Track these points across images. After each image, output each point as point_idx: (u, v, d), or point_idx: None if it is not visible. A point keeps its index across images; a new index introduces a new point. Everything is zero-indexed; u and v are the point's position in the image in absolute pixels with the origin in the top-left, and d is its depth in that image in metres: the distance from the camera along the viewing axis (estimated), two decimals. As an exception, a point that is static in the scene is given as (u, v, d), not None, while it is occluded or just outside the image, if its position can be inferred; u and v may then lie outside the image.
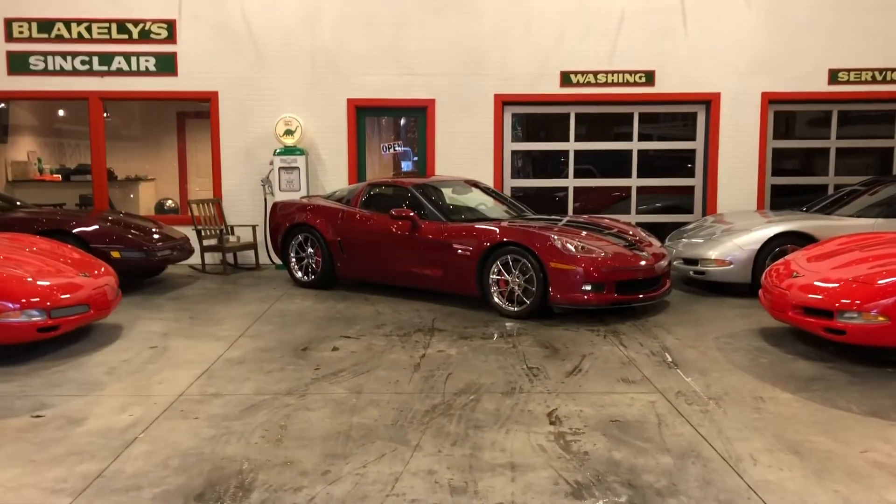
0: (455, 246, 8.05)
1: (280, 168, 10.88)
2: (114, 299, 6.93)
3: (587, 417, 4.82)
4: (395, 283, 8.82)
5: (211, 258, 11.13)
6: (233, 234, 11.06)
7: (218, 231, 10.64)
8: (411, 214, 8.37)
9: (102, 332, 7.13)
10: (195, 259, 10.75)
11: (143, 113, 14.90)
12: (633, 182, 11.59)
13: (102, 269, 7.08)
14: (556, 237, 7.54)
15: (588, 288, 7.34)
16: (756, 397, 5.21)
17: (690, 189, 11.77)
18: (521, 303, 7.64)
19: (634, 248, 7.90)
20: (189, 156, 14.72)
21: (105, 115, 13.30)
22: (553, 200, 12.72)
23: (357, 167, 11.42)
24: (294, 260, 9.53)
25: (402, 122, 13.27)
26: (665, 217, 11.72)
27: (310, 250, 9.34)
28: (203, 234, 10.71)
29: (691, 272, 8.97)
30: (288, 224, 9.52)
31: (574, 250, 7.42)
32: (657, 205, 12.27)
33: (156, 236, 9.45)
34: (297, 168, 10.87)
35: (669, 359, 6.19)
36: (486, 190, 9.59)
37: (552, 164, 12.12)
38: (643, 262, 7.70)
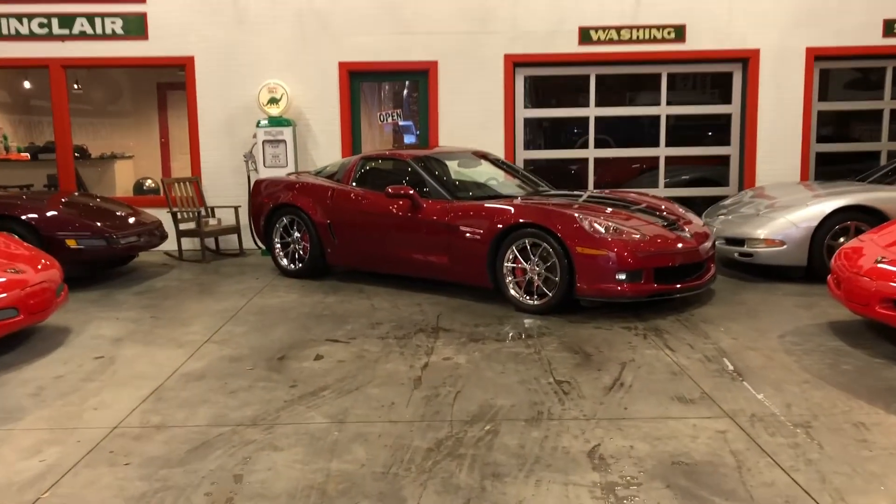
0: (462, 228, 6.84)
1: (264, 141, 9.67)
2: (55, 299, 5.76)
3: (641, 458, 3.64)
4: (393, 272, 7.64)
5: (191, 244, 9.95)
6: (213, 216, 9.89)
7: (195, 214, 9.44)
8: (411, 192, 7.15)
9: (44, 337, 5.98)
10: (171, 245, 9.58)
11: (120, 84, 13.68)
12: (661, 152, 10.34)
13: (44, 264, 5.91)
14: (582, 216, 6.33)
15: (622, 277, 6.13)
16: (856, 423, 4.02)
17: (725, 159, 10.53)
18: (542, 295, 6.44)
19: (674, 228, 6.68)
20: (172, 131, 13.53)
21: (76, 86, 12.13)
22: (568, 174, 11.52)
23: (352, 140, 10.19)
24: (279, 245, 8.34)
25: (406, 92, 12.06)
26: (695, 191, 10.48)
27: (296, 234, 8.15)
28: (179, 217, 9.52)
29: (736, 254, 7.75)
30: (271, 204, 8.32)
31: (604, 231, 6.20)
32: (685, 177, 11.04)
33: (121, 221, 8.27)
34: (283, 141, 9.66)
35: (730, 366, 5.00)
36: (496, 162, 8.35)
37: (568, 134, 10.88)
38: (686, 245, 6.48)
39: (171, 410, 4.39)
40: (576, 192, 7.97)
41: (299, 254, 8.17)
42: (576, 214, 6.36)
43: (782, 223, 7.50)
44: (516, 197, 7.31)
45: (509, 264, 6.58)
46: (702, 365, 5.04)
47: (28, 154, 12.15)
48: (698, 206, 10.33)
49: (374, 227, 7.53)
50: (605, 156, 10.57)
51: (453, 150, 8.37)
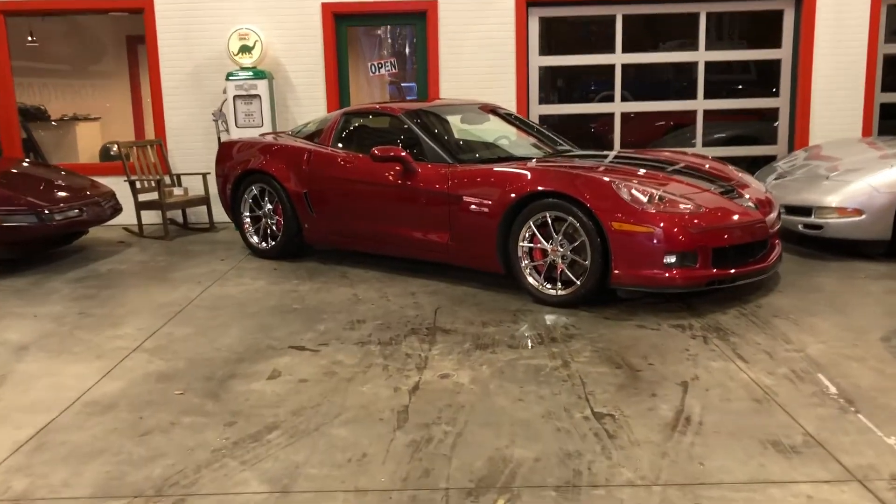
0: (467, 199, 5.46)
1: (235, 97, 8.25)
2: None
3: (745, 569, 2.29)
4: (383, 253, 6.27)
5: (157, 216, 8.59)
6: (179, 185, 8.51)
7: (155, 182, 8.07)
8: (402, 154, 5.75)
9: (-69, 344, 4.66)
10: (131, 219, 8.24)
11: (86, 38, 12.23)
12: (699, 105, 8.87)
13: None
14: (619, 182, 4.94)
15: (671, 260, 4.76)
16: None
17: (773, 112, 9.06)
18: (567, 283, 5.08)
19: (732, 195, 5.28)
20: (145, 89, 12.08)
21: (30, 38, 10.73)
22: (589, 132, 10.09)
23: (339, 95, 8.77)
24: (248, 220, 6.98)
25: (408, 50, 10.67)
26: (736, 150, 9.03)
27: (268, 206, 6.77)
28: (138, 186, 8.15)
29: (800, 226, 6.35)
30: (239, 171, 6.94)
31: (648, 201, 4.83)
32: (723, 135, 9.59)
33: (62, 194, 6.92)
34: (258, 96, 8.24)
35: (831, 388, 3.64)
36: (508, 118, 6.94)
37: (590, 86, 9.42)
38: (751, 217, 5.09)
39: (49, 468, 3.07)
40: (603, 153, 6.56)
41: (272, 230, 6.80)
42: (610, 180, 4.96)
43: (860, 188, 6.08)
44: (532, 159, 5.90)
45: (525, 244, 5.21)
46: (792, 386, 3.68)
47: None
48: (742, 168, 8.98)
49: (359, 197, 6.15)
50: (634, 110, 9.11)
51: (456, 104, 6.94)
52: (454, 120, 6.58)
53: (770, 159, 8.59)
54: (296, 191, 6.51)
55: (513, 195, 5.20)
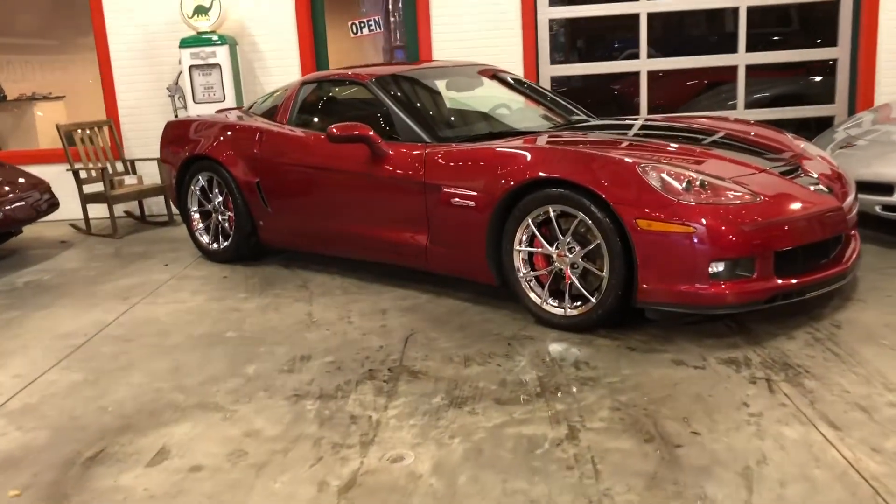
0: (447, 189, 4.20)
1: (192, 67, 7.03)
2: None
3: None
4: (351, 257, 5.03)
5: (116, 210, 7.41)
6: (133, 172, 7.33)
7: (99, 171, 6.89)
8: (366, 133, 4.49)
9: None
10: (74, 213, 7.10)
11: (45, 8, 11.03)
12: (741, 59, 7.46)
13: None
14: (646, 164, 3.65)
15: (720, 269, 3.48)
16: None
17: (829, 66, 7.64)
18: (579, 299, 3.82)
19: (795, 175, 3.97)
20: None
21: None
22: (611, 96, 8.74)
23: (315, 61, 7.50)
24: (196, 216, 5.77)
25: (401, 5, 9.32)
26: (783, 112, 7.64)
27: (218, 199, 5.56)
28: (83, 176, 6.98)
29: (878, 207, 5.03)
30: (184, 156, 5.73)
31: (684, 189, 3.53)
32: (768, 94, 8.20)
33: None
34: (217, 66, 7.01)
35: (979, 482, 2.36)
36: (511, 83, 5.62)
37: (611, 41, 8.06)
38: (825, 206, 3.78)
39: None
40: (627, 121, 5.25)
41: (223, 227, 5.59)
42: (635, 161, 3.68)
43: (958, 158, 4.72)
44: (537, 134, 4.61)
45: (524, 248, 3.95)
46: (915, 476, 2.41)
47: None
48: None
49: (319, 188, 4.93)
50: (662, 67, 7.73)
51: (446, 66, 5.64)
52: (440, 85, 5.29)
53: (826, 124, 7.21)
54: (246, 180, 5.29)
55: (507, 184, 3.94)
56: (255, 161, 5.24)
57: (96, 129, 7.25)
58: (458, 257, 4.30)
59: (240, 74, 7.24)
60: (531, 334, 3.87)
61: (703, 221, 3.45)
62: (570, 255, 3.80)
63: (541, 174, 3.81)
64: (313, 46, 7.46)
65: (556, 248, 3.85)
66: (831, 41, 7.48)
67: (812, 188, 3.86)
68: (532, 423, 2.94)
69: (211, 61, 6.99)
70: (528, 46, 7.32)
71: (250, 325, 4.25)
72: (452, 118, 5.03)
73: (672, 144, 4.25)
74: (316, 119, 5.26)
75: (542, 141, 4.31)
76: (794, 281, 3.64)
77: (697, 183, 3.61)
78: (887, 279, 4.37)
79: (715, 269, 3.49)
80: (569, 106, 5.46)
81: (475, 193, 4.08)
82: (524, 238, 3.96)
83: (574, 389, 3.20)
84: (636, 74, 7.54)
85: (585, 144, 4.18)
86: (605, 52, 8.97)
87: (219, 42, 6.99)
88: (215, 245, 5.66)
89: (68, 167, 6.96)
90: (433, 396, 3.22)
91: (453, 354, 3.66)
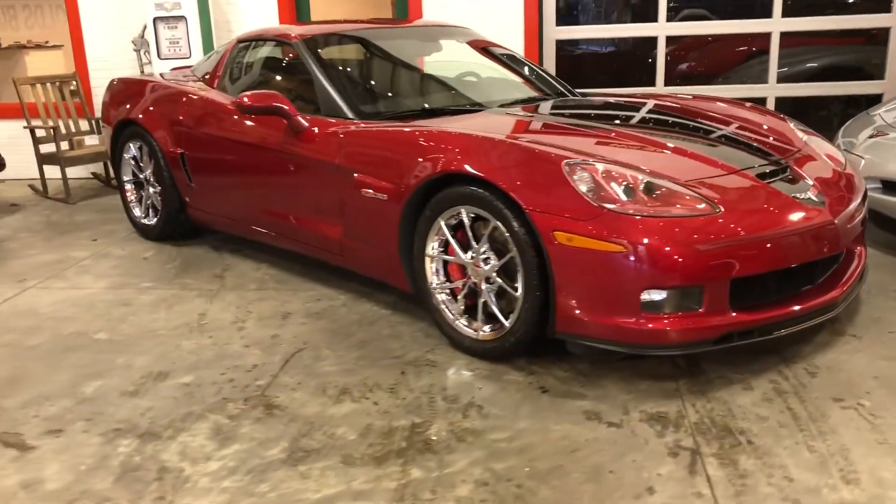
0: (360, 176, 3.53)
1: (156, 20, 6.43)
2: None
3: None
4: (277, 246, 4.39)
5: (76, 172, 6.95)
6: (99, 132, 6.81)
7: (52, 131, 6.37)
8: (282, 106, 3.82)
9: None
10: (28, 173, 6.66)
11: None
12: (775, 25, 6.50)
13: None
14: (575, 161, 2.90)
15: (655, 300, 2.73)
16: None
17: (879, 35, 6.62)
18: (494, 321, 3.11)
19: (781, 178, 3.17)
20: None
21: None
22: (625, 66, 7.84)
23: (296, 13, 6.81)
24: (129, 186, 5.20)
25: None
26: (825, 88, 6.67)
27: (148, 171, 4.97)
28: (41, 135, 6.49)
29: (907, 212, 4.17)
30: (116, 120, 5.15)
31: (622, 194, 2.78)
32: (808, 65, 7.21)
33: None
34: (183, 18, 6.39)
35: None
36: (485, 52, 4.82)
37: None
38: (807, 219, 2.97)
39: None
40: (625, 99, 4.42)
41: (154, 201, 5.01)
42: (559, 155, 2.94)
43: None
44: (481, 112, 3.87)
45: (438, 252, 3.26)
46: None
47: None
48: (832, 113, 6.68)
49: (239, 164, 4.30)
50: (683, 32, 6.82)
51: (406, 26, 4.89)
52: (394, 48, 4.56)
53: (875, 100, 6.26)
54: (171, 151, 4.70)
55: (419, 176, 3.23)
56: (180, 130, 4.63)
57: (58, 84, 6.72)
58: (371, 256, 3.64)
59: (211, 28, 6.61)
60: (437, 359, 3.20)
61: (636, 238, 2.70)
62: (485, 267, 3.09)
63: (452, 168, 3.09)
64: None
65: (471, 257, 3.14)
66: (885, 6, 6.44)
67: (798, 197, 3.06)
68: (370, 498, 2.28)
69: (176, 13, 6.38)
70: (531, 2, 6.48)
71: (129, 326, 3.68)
72: (386, 91, 4.30)
73: (631, 132, 3.47)
74: (246, 85, 4.59)
75: (474, 123, 3.57)
76: (757, 316, 2.87)
77: (641, 187, 2.85)
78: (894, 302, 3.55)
79: (649, 299, 2.75)
80: (548, 79, 4.68)
81: (386, 184, 3.40)
82: (439, 242, 3.26)
83: (446, 447, 2.53)
84: (653, 41, 6.64)
85: (520, 129, 3.44)
86: (628, 8, 8.01)
87: (184, -9, 6.35)
88: (146, 220, 5.10)
89: (25, 124, 6.46)
90: (274, 446, 2.59)
91: (332, 384, 3.02)
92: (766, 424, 2.61)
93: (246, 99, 3.87)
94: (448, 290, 3.29)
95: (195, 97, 4.60)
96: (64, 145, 6.55)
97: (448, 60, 4.61)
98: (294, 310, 3.81)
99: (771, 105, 6.58)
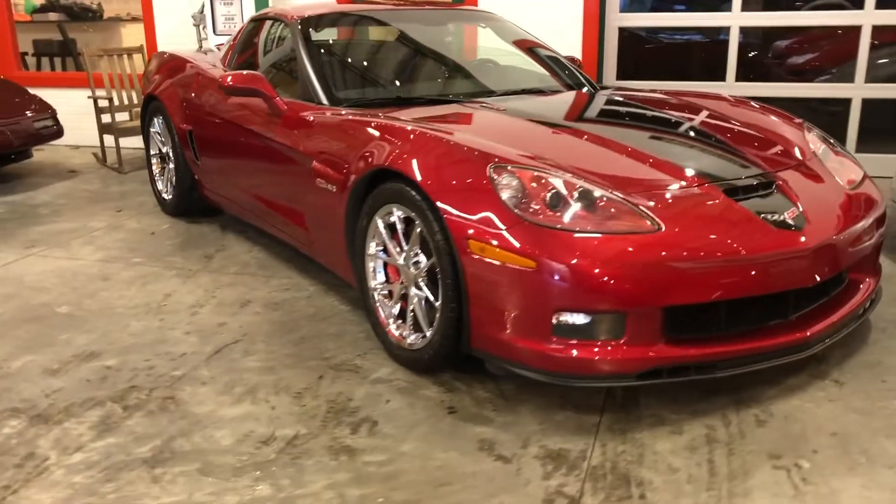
0: (317, 166, 3.39)
1: (213, -3, 6.48)
2: None
3: None
4: (265, 230, 4.30)
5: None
6: (159, 104, 6.94)
7: (108, 101, 6.56)
8: (262, 88, 3.74)
9: None
10: (89, 140, 6.91)
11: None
12: (866, 17, 5.83)
13: None
14: (502, 162, 2.64)
15: (569, 324, 2.43)
16: None
17: None
18: (420, 330, 2.90)
19: (759, 194, 2.78)
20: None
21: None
22: (700, 57, 7.26)
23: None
24: (155, 160, 5.27)
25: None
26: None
27: (167, 146, 5.02)
28: (102, 105, 6.71)
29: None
30: (146, 93, 5.23)
31: (551, 203, 2.51)
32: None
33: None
34: (238, -4, 6.41)
35: None
36: (505, 39, 4.54)
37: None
38: (772, 246, 2.59)
39: None
40: (633, 95, 4.06)
41: (171, 177, 5.06)
42: (484, 153, 2.70)
43: None
44: (457, 103, 3.63)
45: (379, 251, 3.07)
46: None
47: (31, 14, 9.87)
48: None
49: (233, 145, 4.24)
50: (759, 24, 6.25)
51: (425, 9, 4.67)
52: (396, 35, 4.37)
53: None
54: (182, 128, 4.71)
55: (355, 170, 3.05)
56: (190, 107, 4.62)
57: (125, 56, 6.90)
58: (326, 249, 3.51)
59: (268, 4, 6.60)
60: (363, 365, 3.02)
61: (547, 255, 2.42)
62: (413, 271, 2.88)
63: (382, 163, 2.89)
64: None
65: (401, 258, 2.94)
66: None
67: (768, 218, 2.66)
68: (200, 513, 2.15)
69: (231, -11, 6.40)
70: (591, -16, 6.10)
71: (95, 302, 3.70)
72: (367, 77, 4.10)
73: (604, 133, 3.14)
74: (248, 64, 4.52)
75: (430, 115, 3.34)
76: (695, 352, 2.53)
77: (576, 196, 2.55)
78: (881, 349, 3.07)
79: (562, 323, 2.47)
80: (567, 70, 4.34)
81: (336, 175, 3.24)
82: (378, 239, 3.07)
83: (313, 464, 2.36)
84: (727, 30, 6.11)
85: (470, 124, 3.18)
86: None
87: (240, -32, 6.37)
88: (165, 195, 5.16)
89: (90, 94, 6.69)
90: (146, 443, 2.50)
91: (243, 381, 2.91)
92: (673, 478, 2.28)
93: (229, 79, 3.78)
94: (386, 293, 3.09)
95: (204, 75, 4.58)
96: (124, 116, 6.74)
97: (451, 46, 4.37)
98: (257, 298, 3.71)
99: (857, 108, 5.92)
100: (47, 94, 6.73)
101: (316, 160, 3.38)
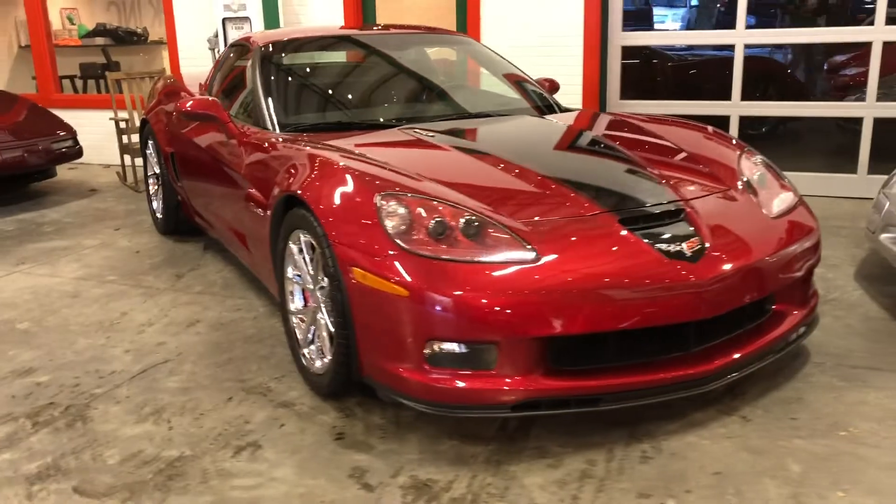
0: (251, 190, 3.48)
1: (225, 20, 6.69)
2: None
3: None
4: (230, 250, 4.40)
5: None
6: (177, 125, 7.19)
7: (125, 123, 6.83)
8: (215, 113, 3.85)
9: None
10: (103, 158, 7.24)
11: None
12: (878, 34, 5.60)
13: None
14: (391, 192, 2.67)
15: (442, 351, 2.43)
16: None
17: None
18: (324, 356, 2.93)
19: (663, 223, 2.72)
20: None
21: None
22: (709, 78, 7.09)
23: (362, 14, 6.83)
24: (152, 180, 5.47)
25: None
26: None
27: (158, 167, 5.20)
28: (123, 126, 6.99)
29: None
30: (142, 116, 5.44)
31: (429, 231, 2.51)
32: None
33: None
34: (248, 19, 6.59)
35: None
36: (471, 62, 4.57)
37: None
38: (654, 278, 2.53)
39: None
40: (565, 119, 4.02)
41: (161, 197, 5.24)
42: (372, 177, 2.74)
43: None
44: (392, 126, 3.66)
45: (294, 276, 3.12)
46: None
47: (81, 39, 10.36)
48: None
49: (202, 168, 4.37)
50: (765, 41, 6.07)
51: (396, 34, 4.69)
52: (358, 60, 4.43)
53: None
54: (165, 151, 4.88)
55: (276, 193, 3.12)
56: (171, 130, 4.78)
57: (148, 79, 7.17)
58: (262, 272, 3.58)
59: (279, 27, 6.76)
60: (276, 388, 3.07)
61: (419, 283, 2.42)
62: (320, 296, 2.92)
63: (289, 189, 2.95)
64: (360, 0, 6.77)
65: (310, 282, 2.98)
66: None
67: (662, 249, 2.60)
68: (57, 530, 2.23)
69: (242, 14, 6.59)
70: (591, 4, 6.05)
71: (55, 318, 3.86)
72: (316, 103, 4.12)
73: (516, 160, 3.11)
74: (229, 89, 4.65)
75: (353, 141, 3.37)
76: (574, 384, 2.49)
77: (460, 225, 2.55)
78: (829, 393, 2.93)
79: (434, 352, 2.46)
80: (545, 95, 4.31)
81: (262, 200, 3.31)
82: (292, 266, 3.11)
83: (182, 488, 2.42)
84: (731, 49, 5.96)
85: (382, 150, 3.20)
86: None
87: (250, -8, 6.55)
88: (158, 214, 5.33)
89: (111, 116, 6.98)
90: (38, 459, 2.62)
91: (155, 402, 2.99)
92: (527, 522, 2.24)
93: (188, 105, 3.90)
94: (302, 317, 3.13)
95: (186, 98, 4.72)
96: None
97: (411, 71, 4.38)
98: (206, 318, 3.81)
99: (868, 128, 5.69)
100: (81, 116, 7.11)
101: (251, 184, 3.46)
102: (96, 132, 7.67)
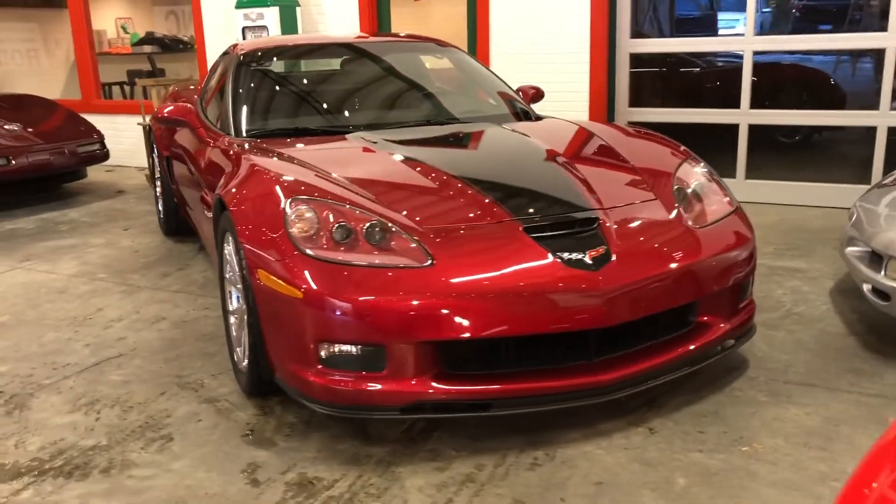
0: (202, 193, 3.61)
1: (244, 28, 6.90)
2: None
3: None
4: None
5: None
6: (203, 130, 7.45)
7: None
8: (185, 117, 4.02)
9: None
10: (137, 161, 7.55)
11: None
12: (889, 41, 5.41)
13: None
14: (302, 195, 2.75)
15: (334, 353, 2.51)
16: None
17: None
18: (246, 356, 3.03)
19: (572, 231, 2.73)
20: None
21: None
22: (716, 87, 6.97)
23: (377, 24, 6.94)
24: (159, 181, 5.69)
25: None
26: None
27: (158, 170, 5.42)
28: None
29: (867, 288, 3.35)
30: (148, 123, 5.67)
31: (332, 234, 2.58)
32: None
33: (23, 136, 6.34)
34: (265, 27, 6.78)
35: None
36: (448, 68, 4.62)
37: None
38: (548, 287, 2.53)
39: None
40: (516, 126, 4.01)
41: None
42: (280, 179, 2.83)
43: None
44: (347, 134, 3.72)
45: (229, 277, 3.23)
46: None
47: (131, 48, 10.81)
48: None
49: (185, 172, 4.52)
50: (773, 48, 5.92)
51: (376, 41, 4.78)
52: (332, 67, 4.53)
53: None
54: (163, 154, 5.07)
55: (213, 198, 3.24)
56: (167, 135, 4.97)
57: (174, 87, 7.45)
58: (217, 273, 3.68)
59: (297, 32, 6.94)
60: (209, 384, 3.18)
61: (311, 286, 2.49)
62: (242, 296, 3.01)
63: (220, 192, 3.05)
64: (375, 10, 6.88)
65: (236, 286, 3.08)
66: None
67: (562, 257, 2.60)
68: (-44, 510, 2.38)
69: (260, 23, 6.79)
70: (598, 6, 6.00)
71: (35, 313, 4.07)
72: (277, 110, 4.20)
73: (441, 166, 3.14)
74: (212, 94, 4.80)
75: (296, 149, 3.45)
76: (463, 388, 2.51)
77: (364, 231, 2.61)
78: (749, 408, 2.86)
79: (327, 354, 2.53)
80: (520, 102, 4.33)
81: (209, 201, 3.43)
82: (229, 266, 3.22)
83: (84, 475, 2.54)
84: (739, 57, 5.84)
85: (324, 155, 3.27)
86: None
87: (268, 3, 6.74)
88: (161, 215, 5.54)
89: (141, 121, 7.28)
90: (-34, 443, 2.76)
91: (94, 393, 3.14)
92: (398, 515, 2.28)
93: (165, 110, 4.07)
94: (236, 316, 3.23)
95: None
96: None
97: (386, 77, 4.45)
98: (172, 316, 3.95)
99: (882, 137, 5.50)
100: (118, 121, 7.50)
101: (205, 186, 3.59)
102: (132, 136, 8.01)
